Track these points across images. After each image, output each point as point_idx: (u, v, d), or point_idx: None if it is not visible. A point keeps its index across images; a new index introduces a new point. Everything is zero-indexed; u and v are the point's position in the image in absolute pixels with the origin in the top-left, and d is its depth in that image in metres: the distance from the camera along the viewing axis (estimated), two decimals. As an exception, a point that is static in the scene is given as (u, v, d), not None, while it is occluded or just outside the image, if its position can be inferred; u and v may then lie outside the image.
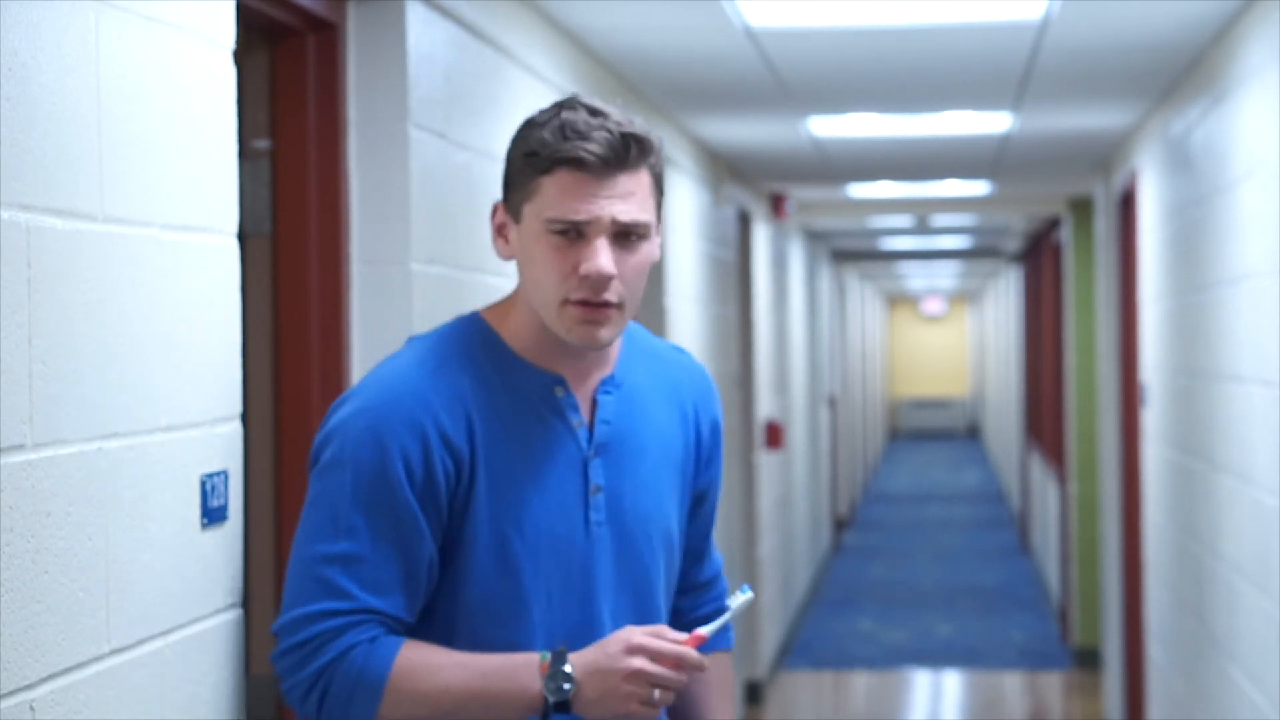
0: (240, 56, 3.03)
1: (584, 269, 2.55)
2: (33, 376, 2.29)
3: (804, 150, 9.24)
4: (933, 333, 38.46)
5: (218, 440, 2.87)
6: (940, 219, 14.17)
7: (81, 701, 2.41)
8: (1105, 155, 9.53)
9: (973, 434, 36.81)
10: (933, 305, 37.41)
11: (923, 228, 15.22)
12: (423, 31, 4.03)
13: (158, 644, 2.65)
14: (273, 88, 3.77)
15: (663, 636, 2.55)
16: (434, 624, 2.62)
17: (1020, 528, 19.43)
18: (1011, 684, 11.70)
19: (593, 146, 2.54)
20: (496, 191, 4.80)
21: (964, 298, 36.49)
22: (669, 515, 2.75)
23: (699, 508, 2.87)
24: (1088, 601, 11.80)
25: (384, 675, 2.53)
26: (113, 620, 2.51)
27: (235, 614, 2.93)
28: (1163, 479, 7.63)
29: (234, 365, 2.94)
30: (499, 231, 2.65)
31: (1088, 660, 11.72)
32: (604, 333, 2.59)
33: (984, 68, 6.61)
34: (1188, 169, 6.71)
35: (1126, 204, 9.07)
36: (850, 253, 19.62)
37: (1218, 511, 6.09)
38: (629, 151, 2.56)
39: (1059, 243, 13.31)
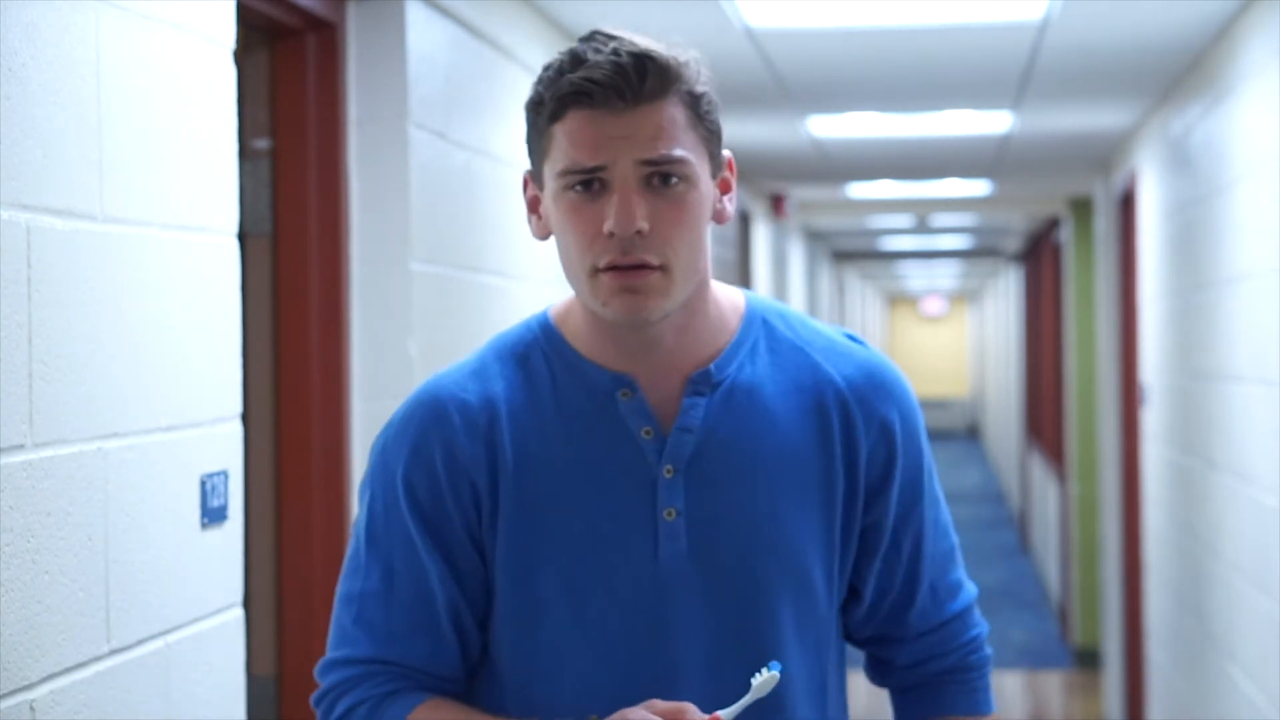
0: (240, 56, 3.03)
1: (607, 225, 2.06)
2: (33, 376, 2.29)
3: (804, 150, 9.24)
4: (933, 333, 38.48)
5: (218, 440, 2.87)
6: (940, 219, 14.17)
7: (81, 701, 2.41)
8: (1105, 155, 9.53)
9: (973, 434, 36.81)
10: (933, 305, 37.42)
11: (923, 227, 15.22)
12: (422, 31, 4.03)
13: (158, 644, 2.65)
14: (273, 88, 3.77)
15: (681, 716, 2.06)
16: (491, 677, 2.20)
17: (1020, 527, 19.44)
18: (1011, 684, 11.70)
19: (597, 75, 2.07)
20: (496, 191, 4.82)
21: (964, 298, 36.50)
22: (799, 550, 2.18)
23: (874, 543, 2.24)
24: (1088, 601, 11.80)
25: None
26: (113, 620, 2.50)
27: (235, 614, 2.93)
28: (1163, 479, 7.63)
29: (234, 365, 2.94)
30: (531, 208, 2.19)
31: (1088, 660, 11.72)
32: (648, 303, 2.08)
33: (984, 68, 6.61)
34: (1188, 169, 6.71)
35: (1126, 204, 9.07)
36: (850, 252, 19.62)
37: (1218, 511, 6.09)
38: (645, 78, 2.08)
39: (1059, 243, 13.31)
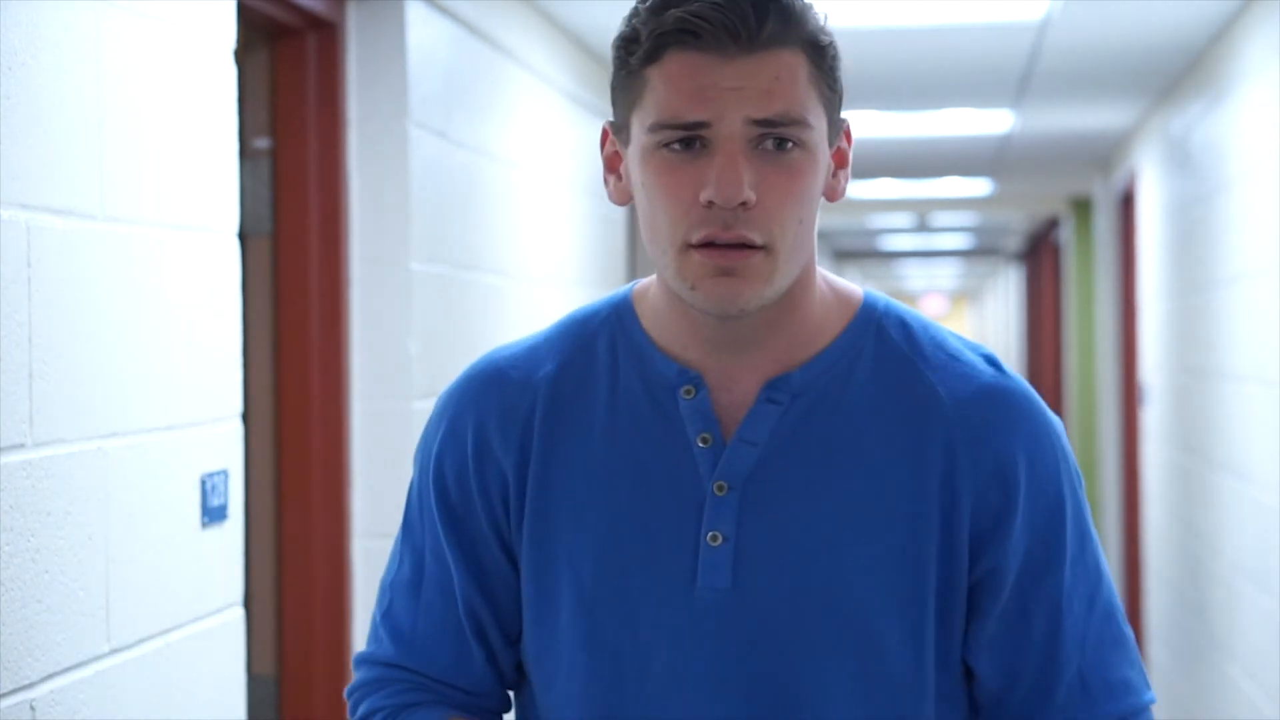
0: (240, 56, 3.03)
1: (705, 194, 1.71)
2: (33, 376, 2.30)
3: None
4: (933, 332, 38.44)
5: (218, 440, 2.87)
6: (940, 218, 14.17)
7: (81, 701, 2.41)
8: (1105, 155, 9.54)
9: (973, 433, 36.77)
10: (933, 305, 37.42)
11: (923, 227, 15.22)
12: (423, 31, 4.03)
13: (158, 643, 2.65)
14: (273, 87, 3.77)
15: None
16: (529, 700, 1.92)
17: (1020, 527, 19.43)
18: (1012, 683, 11.69)
19: (708, 10, 1.73)
20: (497, 191, 4.82)
21: (964, 297, 36.49)
22: (866, 600, 1.78)
23: (985, 606, 1.81)
24: (1088, 601, 11.78)
25: None
26: (113, 620, 2.50)
27: (235, 614, 2.93)
28: (1163, 478, 7.63)
29: (234, 365, 2.94)
30: (610, 166, 1.85)
31: (1088, 659, 11.70)
32: (746, 289, 1.74)
33: (984, 68, 6.61)
34: (1188, 168, 6.71)
35: (1126, 203, 9.07)
36: (851, 252, 19.62)
37: (1218, 510, 6.09)
38: (766, 19, 1.73)
39: (1059, 242, 13.31)
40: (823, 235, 16.37)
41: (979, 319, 32.88)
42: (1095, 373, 11.10)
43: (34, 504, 2.30)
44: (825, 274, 1.86)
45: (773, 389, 1.80)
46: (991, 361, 1.84)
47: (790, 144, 1.73)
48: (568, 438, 1.83)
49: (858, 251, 19.65)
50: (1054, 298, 14.00)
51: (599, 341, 1.87)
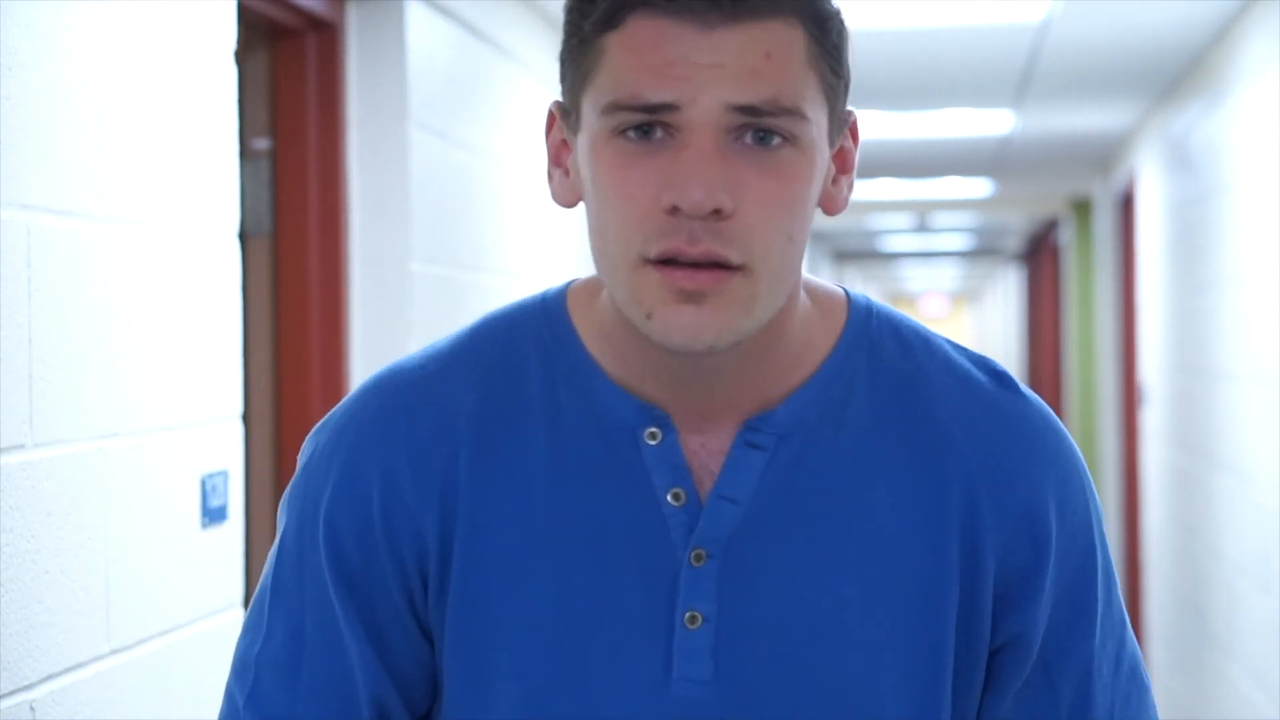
0: (240, 56, 3.03)
1: (669, 196, 1.36)
2: (33, 376, 2.29)
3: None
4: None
5: (218, 440, 2.87)
6: (941, 219, 14.17)
7: (81, 701, 2.41)
8: (1105, 155, 9.53)
9: (973, 434, 36.78)
10: (933, 305, 37.42)
11: (923, 228, 15.22)
12: (423, 31, 4.02)
13: (158, 644, 2.65)
14: (273, 88, 3.77)
15: None
16: None
17: (1020, 528, 19.44)
18: (1012, 684, 11.70)
19: None
20: (496, 192, 4.82)
21: (964, 298, 36.49)
22: (876, 687, 1.46)
23: (1005, 676, 1.51)
24: (1088, 601, 11.79)
25: None
26: (113, 620, 2.50)
27: (235, 614, 2.93)
28: (1163, 479, 7.63)
29: (234, 365, 2.94)
30: (555, 158, 1.49)
31: (1088, 660, 11.71)
32: (716, 321, 1.38)
33: (985, 69, 6.61)
34: (1188, 169, 6.71)
35: (1126, 204, 9.06)
36: (851, 253, 19.62)
37: (1218, 511, 6.08)
38: None
39: (1059, 243, 13.31)
40: (822, 236, 16.36)
41: (979, 320, 32.88)
42: (1095, 373, 11.10)
43: (34, 505, 2.30)
44: (805, 278, 1.51)
45: (753, 430, 1.46)
46: (1003, 380, 1.52)
47: (779, 139, 1.37)
48: (501, 489, 1.46)
49: (857, 252, 19.65)
50: (1054, 298, 14.00)
51: (529, 364, 1.49)
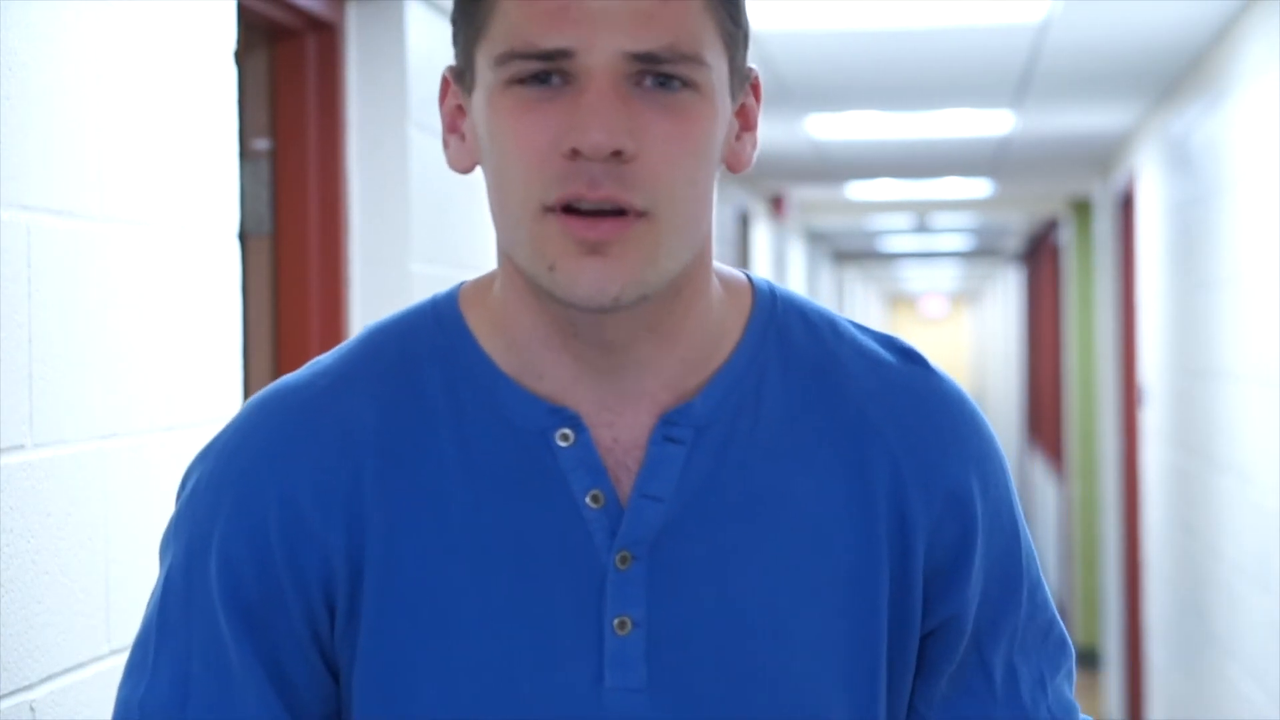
0: (240, 57, 3.02)
1: (569, 139, 1.33)
2: (33, 377, 2.29)
3: (803, 150, 9.23)
4: (933, 333, 38.49)
5: (218, 440, 2.87)
6: (940, 219, 14.17)
7: (81, 702, 2.41)
8: (1105, 156, 9.53)
9: (973, 434, 36.76)
10: (933, 306, 37.44)
11: (923, 228, 15.22)
12: (423, 31, 4.03)
13: (158, 644, 2.65)
14: (273, 88, 3.77)
15: None
16: None
17: (1020, 528, 19.42)
18: (1011, 684, 11.68)
19: None
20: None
21: (964, 298, 36.51)
22: (813, 683, 1.42)
23: (937, 660, 1.48)
24: (1088, 601, 11.79)
25: None
26: (112, 621, 2.50)
27: (235, 614, 2.93)
28: (1163, 479, 7.63)
29: (234, 365, 2.94)
30: (451, 124, 1.47)
31: (1088, 660, 11.71)
32: (622, 270, 1.34)
33: (984, 69, 6.61)
34: (1187, 169, 6.71)
35: (1126, 204, 9.07)
36: (851, 253, 19.63)
37: (1218, 511, 6.08)
38: None
39: (1059, 243, 13.31)
40: (822, 237, 16.37)
41: (979, 320, 32.90)
42: (1095, 374, 11.10)
43: (34, 505, 2.30)
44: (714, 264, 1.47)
45: (671, 424, 1.40)
46: (912, 357, 1.48)
47: (679, 83, 1.34)
48: (412, 504, 1.39)
49: (857, 253, 19.65)
50: (1054, 299, 14.00)
51: (426, 372, 1.43)
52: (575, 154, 1.32)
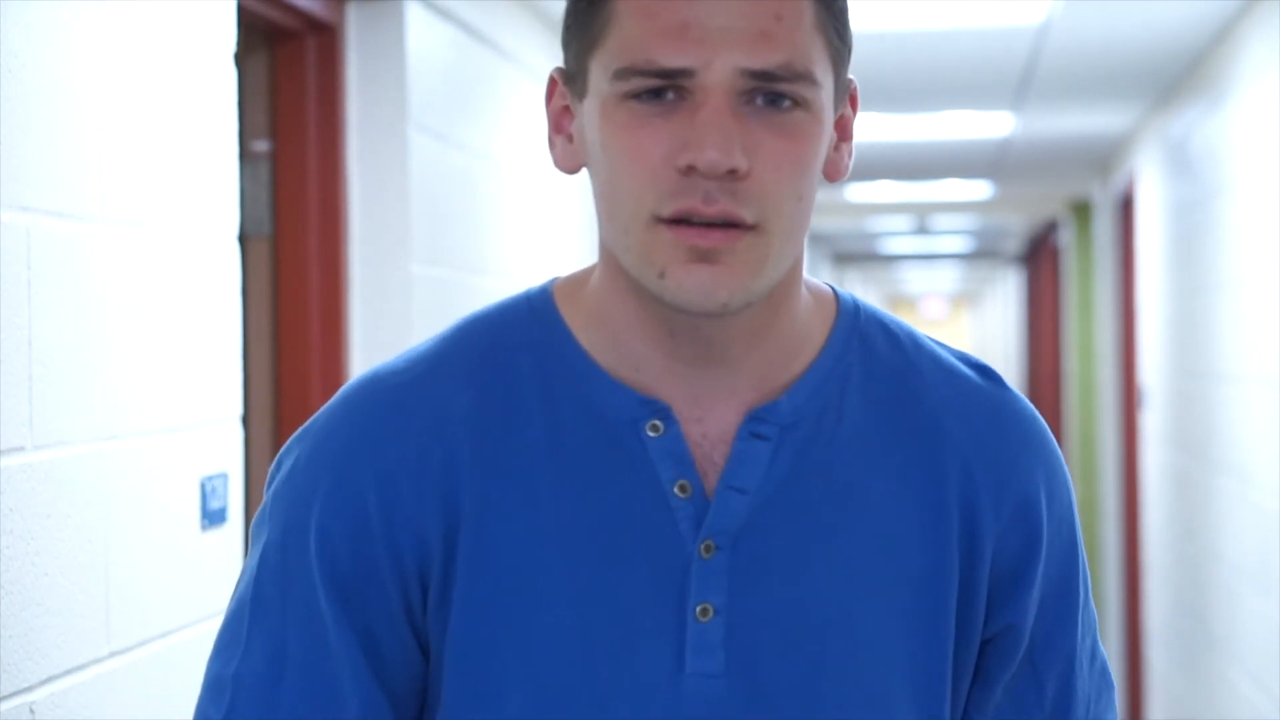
0: (240, 58, 3.03)
1: (685, 156, 1.36)
2: (33, 378, 2.29)
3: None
4: (933, 335, 38.51)
5: (217, 442, 2.87)
6: (940, 221, 14.17)
7: (81, 703, 2.41)
8: (1105, 158, 9.54)
9: (973, 436, 36.74)
10: (933, 308, 37.44)
11: (923, 230, 15.22)
12: (422, 33, 4.02)
13: (157, 646, 2.65)
14: (273, 89, 3.77)
15: None
16: None
17: (1020, 530, 19.43)
18: (1011, 686, 11.68)
19: None
20: (496, 194, 4.82)
21: (964, 300, 36.52)
22: (883, 677, 1.46)
23: (994, 668, 1.52)
24: (1088, 603, 11.80)
25: None
26: (112, 622, 2.50)
27: (235, 616, 2.92)
28: (1163, 480, 7.63)
29: (234, 365, 2.94)
30: (557, 124, 1.50)
31: (1088, 662, 11.72)
32: (732, 280, 1.38)
33: (984, 71, 6.61)
34: (1187, 171, 6.71)
35: (1126, 206, 9.07)
36: (851, 255, 19.63)
37: (1218, 513, 6.08)
38: None
39: (1059, 245, 13.31)
40: (822, 238, 16.37)
41: (979, 322, 32.89)
42: (1095, 376, 11.10)
43: (34, 507, 2.30)
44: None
45: (758, 420, 1.45)
46: (990, 375, 1.55)
47: (789, 101, 1.39)
48: (504, 491, 1.43)
49: (857, 254, 19.66)
50: (1054, 301, 14.00)
51: (521, 361, 1.47)
52: (690, 170, 1.36)
